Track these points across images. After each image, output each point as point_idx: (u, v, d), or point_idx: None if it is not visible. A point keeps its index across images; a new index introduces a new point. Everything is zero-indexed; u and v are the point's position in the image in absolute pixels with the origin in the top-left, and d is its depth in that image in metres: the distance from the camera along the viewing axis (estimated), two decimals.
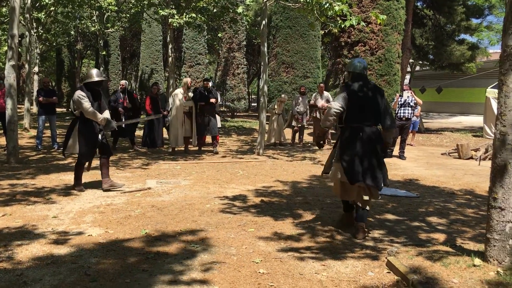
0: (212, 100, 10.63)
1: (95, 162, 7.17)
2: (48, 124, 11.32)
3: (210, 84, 11.07)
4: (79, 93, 6.30)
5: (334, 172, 4.88)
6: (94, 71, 6.56)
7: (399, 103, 10.98)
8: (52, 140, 11.36)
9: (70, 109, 10.55)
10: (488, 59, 27.16)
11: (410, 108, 10.90)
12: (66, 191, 6.57)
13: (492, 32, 24.46)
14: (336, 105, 4.73)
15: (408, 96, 11.00)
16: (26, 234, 4.54)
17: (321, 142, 5.50)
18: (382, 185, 4.67)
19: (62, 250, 4.10)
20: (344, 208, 5.16)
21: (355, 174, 4.58)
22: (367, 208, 4.73)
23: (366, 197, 4.68)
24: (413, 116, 11.40)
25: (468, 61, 23.18)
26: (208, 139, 11.57)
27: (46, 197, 6.17)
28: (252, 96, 49.31)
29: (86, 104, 6.26)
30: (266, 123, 12.31)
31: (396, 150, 11.14)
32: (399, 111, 10.92)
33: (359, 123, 4.71)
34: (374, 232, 4.83)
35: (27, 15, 16.49)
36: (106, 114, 6.58)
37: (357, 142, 4.66)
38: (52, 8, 17.72)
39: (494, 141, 3.61)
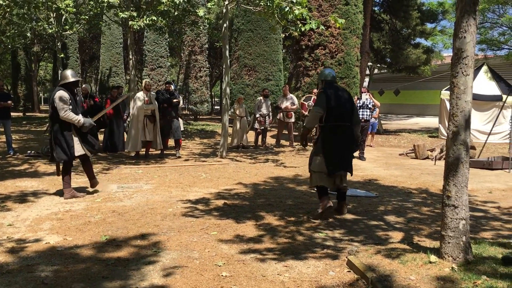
0: (175, 101, 10.57)
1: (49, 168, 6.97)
2: (3, 129, 10.93)
3: (172, 87, 10.99)
4: (58, 95, 6.12)
5: (318, 165, 5.58)
6: (69, 72, 6.50)
7: (358, 105, 11.22)
8: (7, 146, 10.97)
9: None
10: (442, 63, 28.14)
11: (368, 110, 11.15)
12: (22, 198, 6.37)
13: (445, 36, 25.35)
14: (318, 109, 5.53)
15: (366, 98, 11.26)
16: None
17: (306, 141, 6.12)
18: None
19: (18, 259, 3.97)
20: (320, 195, 5.58)
21: (335, 166, 5.48)
22: (346, 188, 5.74)
23: (344, 184, 5.64)
24: (371, 118, 11.67)
25: (424, 64, 23.98)
26: (171, 142, 11.46)
27: (0, 204, 5.96)
28: (215, 99, 49.16)
29: (63, 107, 6.13)
30: (230, 126, 12.32)
31: (356, 152, 11.35)
32: None
33: (337, 122, 5.54)
34: (335, 232, 4.92)
35: None
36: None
37: (336, 138, 5.54)
38: (7, 9, 17.12)
39: (446, 141, 3.74)
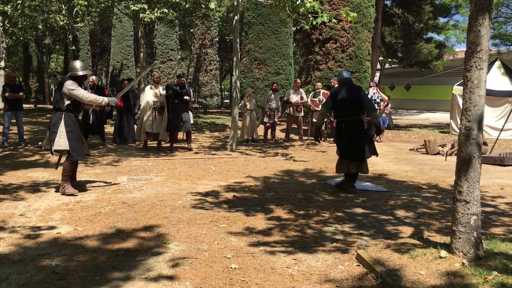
0: (186, 98, 10.57)
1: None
2: (15, 121, 11.03)
3: (184, 79, 11.02)
4: (69, 84, 5.96)
5: (337, 151, 6.73)
6: (78, 64, 6.26)
7: None
8: (19, 137, 11.07)
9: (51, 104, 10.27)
10: (454, 58, 27.86)
11: (376, 105, 11.13)
12: (34, 188, 6.43)
13: (458, 30, 25.08)
14: (323, 108, 6.72)
15: (374, 93, 11.22)
16: None
17: (318, 137, 7.31)
18: (366, 157, 6.53)
19: (29, 248, 4.01)
20: (351, 178, 6.71)
21: (343, 154, 6.56)
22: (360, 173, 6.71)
23: (354, 169, 6.58)
24: (381, 113, 11.62)
25: (436, 59, 23.74)
26: (181, 135, 11.50)
27: (12, 194, 6.02)
28: (225, 93, 49.20)
29: (81, 91, 6.03)
30: (239, 119, 12.31)
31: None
32: None
33: (343, 117, 6.51)
34: (344, 226, 4.91)
35: None
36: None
37: (344, 130, 6.50)
38: (19, 1, 17.22)
39: (459, 136, 3.70)
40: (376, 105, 11.14)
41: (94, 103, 6.23)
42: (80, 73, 6.18)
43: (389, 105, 13.87)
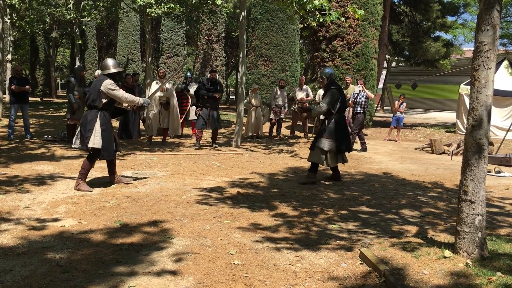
0: (216, 95, 10.49)
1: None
2: (21, 113, 11.07)
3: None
4: (109, 83, 5.96)
5: (331, 146, 6.84)
6: (111, 61, 6.27)
7: (352, 98, 11.37)
8: (24, 130, 11.11)
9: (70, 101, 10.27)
10: (462, 57, 27.70)
11: (362, 103, 11.22)
12: (39, 180, 6.45)
13: (466, 29, 24.91)
14: (327, 104, 6.84)
15: (360, 91, 11.24)
16: None
17: (305, 116, 7.91)
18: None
19: (33, 241, 4.03)
20: (313, 170, 7.05)
21: (346, 146, 6.99)
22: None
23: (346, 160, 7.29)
24: (366, 110, 11.67)
25: (443, 58, 23.60)
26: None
27: (18, 186, 6.05)
28: (230, 89, 49.18)
29: (121, 92, 6.05)
30: (244, 116, 12.30)
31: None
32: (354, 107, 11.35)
33: (343, 112, 7.08)
34: (349, 224, 4.90)
35: (0, 1, 16.01)
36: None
37: (344, 124, 7.06)
38: None
39: (465, 135, 3.68)
40: (362, 103, 11.25)
41: (132, 104, 6.27)
42: (113, 70, 6.20)
43: (404, 103, 13.92)
